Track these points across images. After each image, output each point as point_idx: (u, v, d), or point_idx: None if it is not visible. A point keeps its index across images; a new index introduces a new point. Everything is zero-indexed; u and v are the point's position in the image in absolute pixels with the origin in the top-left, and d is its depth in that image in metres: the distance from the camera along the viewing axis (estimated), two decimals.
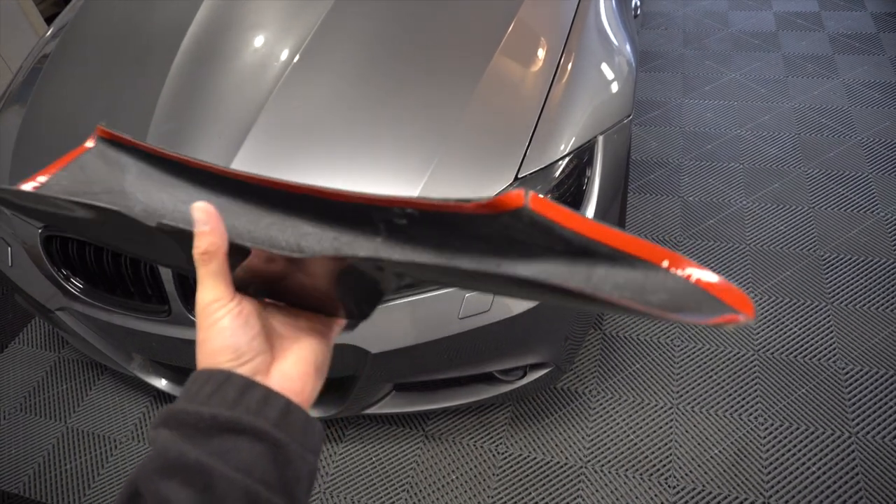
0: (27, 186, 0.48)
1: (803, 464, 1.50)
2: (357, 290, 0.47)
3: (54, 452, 1.75)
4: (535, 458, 1.59)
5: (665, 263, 0.30)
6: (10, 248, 1.53)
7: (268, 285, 0.47)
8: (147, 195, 0.49)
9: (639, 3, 2.14)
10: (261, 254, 0.43)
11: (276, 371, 0.43)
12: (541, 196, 0.32)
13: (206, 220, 0.42)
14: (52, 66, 1.67)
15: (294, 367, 0.44)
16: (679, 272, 0.30)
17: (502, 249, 0.35)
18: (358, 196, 0.41)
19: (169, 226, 0.45)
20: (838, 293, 1.85)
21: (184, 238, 0.44)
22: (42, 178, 0.50)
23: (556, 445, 1.61)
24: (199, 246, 0.42)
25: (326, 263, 0.42)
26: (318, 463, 0.43)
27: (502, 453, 1.61)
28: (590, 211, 1.31)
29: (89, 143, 0.53)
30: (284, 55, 1.44)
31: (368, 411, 1.50)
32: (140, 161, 0.52)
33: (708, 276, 0.30)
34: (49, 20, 3.27)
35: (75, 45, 1.70)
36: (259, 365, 0.42)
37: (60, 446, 1.76)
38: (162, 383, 1.64)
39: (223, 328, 0.42)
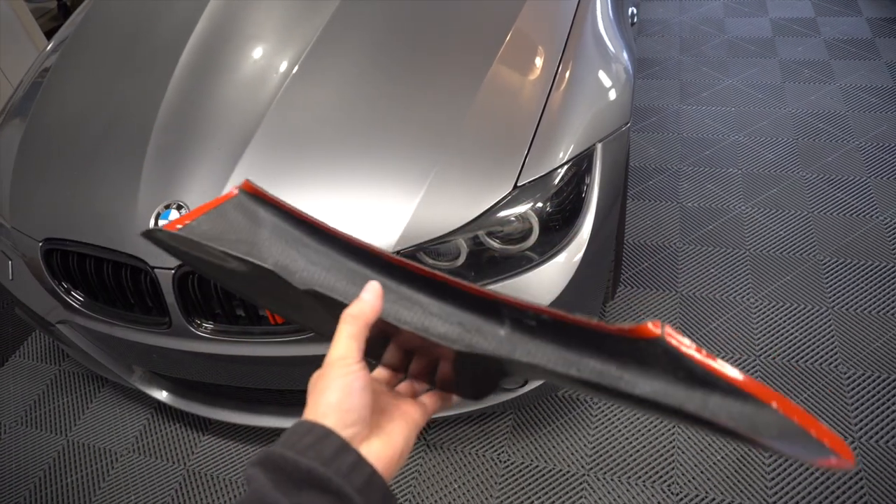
0: (174, 227, 0.51)
1: (806, 469, 1.50)
2: (475, 375, 0.52)
3: (55, 466, 1.74)
4: (537, 467, 1.59)
5: (774, 405, 0.35)
6: (10, 262, 1.53)
7: (392, 354, 0.54)
8: (279, 251, 0.53)
9: (636, 11, 2.15)
10: (388, 326, 0.48)
11: (366, 446, 0.47)
12: (672, 330, 0.38)
13: (372, 294, 0.48)
14: (52, 79, 1.68)
15: (383, 449, 0.48)
16: (786, 415, 0.35)
17: (625, 365, 0.40)
18: (491, 294, 0.47)
19: (321, 293, 0.50)
20: (839, 297, 1.85)
21: (330, 304, 0.50)
22: (188, 221, 0.53)
23: (559, 453, 1.60)
24: (354, 309, 0.48)
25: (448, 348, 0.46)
26: None
27: (504, 462, 1.61)
28: (589, 217, 1.31)
29: (234, 191, 0.57)
30: (283, 67, 1.44)
31: None
32: (276, 216, 0.56)
33: (812, 423, 0.34)
34: (49, 34, 3.29)
35: (76, 59, 1.71)
36: (357, 434, 0.46)
37: (61, 460, 1.76)
38: (163, 395, 1.64)
39: (345, 385, 0.46)
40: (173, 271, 1.25)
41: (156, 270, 1.26)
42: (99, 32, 1.77)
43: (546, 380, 0.46)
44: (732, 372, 0.36)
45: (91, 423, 1.83)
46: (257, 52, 1.51)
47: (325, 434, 0.44)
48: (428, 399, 0.56)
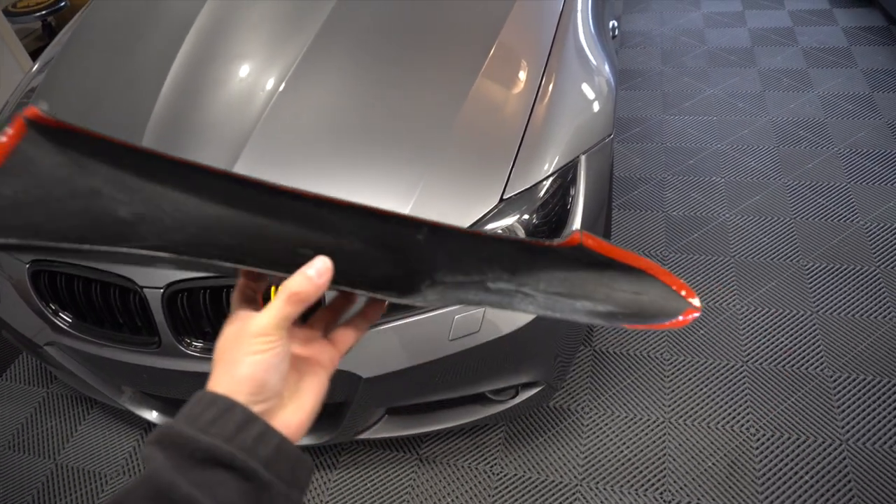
0: None
1: (796, 473, 1.51)
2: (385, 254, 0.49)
3: (44, 490, 1.72)
4: (530, 478, 1.59)
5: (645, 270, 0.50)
6: None
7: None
8: (138, 203, 0.42)
9: (616, 24, 2.19)
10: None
11: (280, 417, 0.45)
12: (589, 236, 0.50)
13: (323, 275, 0.44)
14: (38, 100, 1.68)
15: (295, 414, 0.46)
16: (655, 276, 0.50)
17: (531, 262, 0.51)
18: (402, 214, 0.49)
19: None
20: (823, 302, 1.88)
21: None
22: None
23: (551, 464, 1.61)
24: (297, 288, 0.43)
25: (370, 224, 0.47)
26: (303, 497, 0.44)
27: (497, 474, 1.61)
28: (575, 228, 1.33)
29: (12, 131, 0.39)
30: (270, 84, 1.46)
31: (361, 437, 1.49)
32: (101, 156, 0.41)
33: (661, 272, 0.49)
34: (33, 55, 3.29)
35: (62, 78, 1.71)
36: (270, 408, 0.44)
37: (50, 484, 1.73)
38: (153, 415, 1.63)
39: (261, 361, 0.43)
40: (162, 290, 1.25)
41: (144, 290, 1.26)
42: (86, 50, 1.77)
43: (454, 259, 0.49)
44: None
45: (80, 446, 1.81)
46: (244, 70, 1.52)
47: (230, 407, 0.41)
48: (340, 334, 0.52)
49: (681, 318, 0.47)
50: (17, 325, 1.51)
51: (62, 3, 3.53)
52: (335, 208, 0.46)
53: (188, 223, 0.43)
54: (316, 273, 0.43)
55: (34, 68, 1.87)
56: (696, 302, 0.47)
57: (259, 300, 0.50)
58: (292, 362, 0.47)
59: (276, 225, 0.45)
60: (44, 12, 3.47)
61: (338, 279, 0.45)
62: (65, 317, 1.41)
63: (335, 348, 0.52)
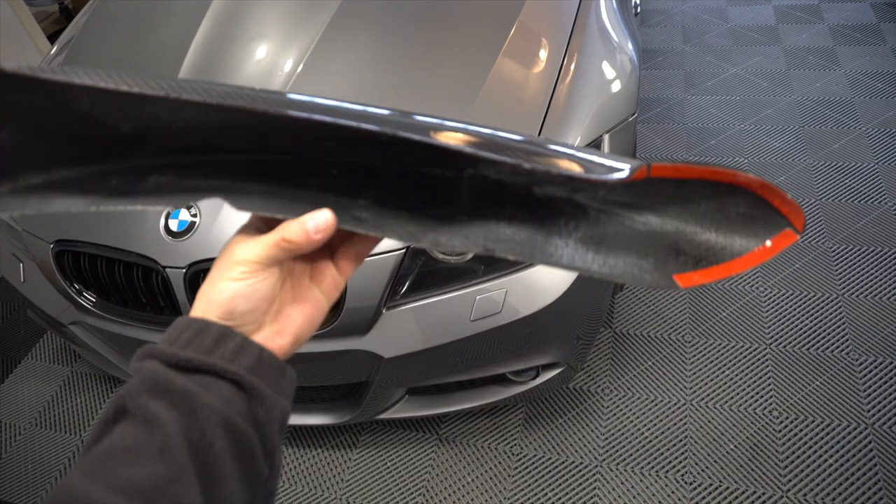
0: None
1: (820, 456, 1.50)
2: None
3: (70, 466, 1.76)
4: (550, 459, 1.59)
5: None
6: (21, 265, 1.54)
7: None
8: (136, 118, 0.40)
9: (638, 2, 2.15)
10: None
11: (257, 336, 0.45)
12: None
13: (320, 230, 0.42)
14: None
15: (273, 339, 0.45)
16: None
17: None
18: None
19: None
20: (849, 284, 1.85)
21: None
22: None
23: (571, 445, 1.61)
24: (291, 236, 0.42)
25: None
26: (290, 406, 0.45)
27: (517, 455, 1.61)
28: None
29: None
30: (288, 66, 1.44)
31: (382, 416, 1.50)
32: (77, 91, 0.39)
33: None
34: (51, 38, 3.30)
35: (80, 62, 1.71)
36: (244, 330, 0.44)
37: (76, 461, 1.77)
38: None
39: (233, 288, 0.43)
40: (184, 270, 1.26)
41: (167, 270, 1.27)
42: (105, 31, 1.77)
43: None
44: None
45: None
46: (261, 53, 1.51)
47: (203, 326, 0.42)
48: (343, 257, 0.49)
49: (769, 242, 0.37)
50: (42, 305, 1.53)
51: None
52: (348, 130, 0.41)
53: (195, 126, 0.41)
54: (314, 227, 0.42)
55: (53, 50, 1.87)
56: (798, 223, 0.37)
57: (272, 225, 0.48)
58: (289, 286, 0.47)
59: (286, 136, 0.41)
60: None
61: (349, 218, 0.43)
62: (88, 296, 1.42)
63: (339, 272, 0.50)
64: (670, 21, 3.20)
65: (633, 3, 2.00)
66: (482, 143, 0.40)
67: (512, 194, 0.42)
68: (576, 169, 0.39)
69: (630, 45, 1.57)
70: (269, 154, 0.43)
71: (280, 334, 0.46)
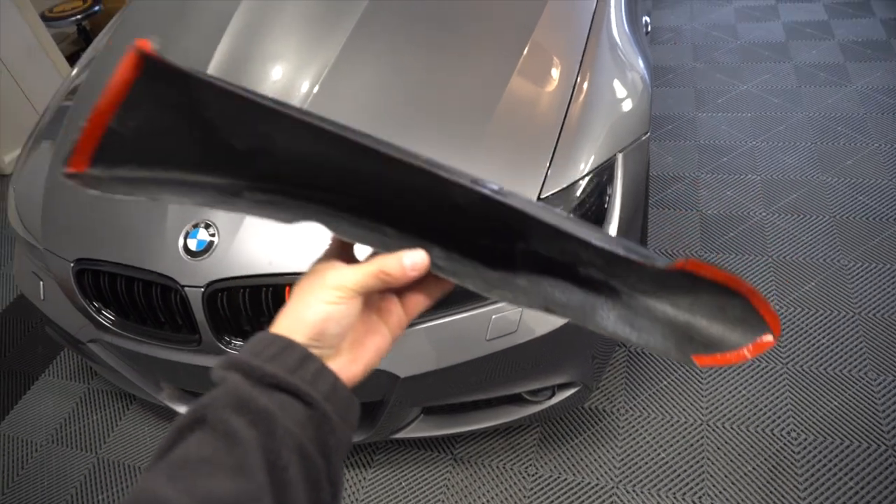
0: (81, 166, 0.40)
1: (840, 479, 1.48)
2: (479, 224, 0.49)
3: (86, 483, 1.76)
4: (565, 480, 1.58)
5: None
6: (41, 283, 1.56)
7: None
8: (251, 137, 0.43)
9: (649, 21, 2.16)
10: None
11: (333, 363, 0.46)
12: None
13: (416, 268, 0.45)
14: (79, 102, 1.72)
15: (347, 367, 0.47)
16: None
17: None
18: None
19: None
20: (865, 302, 1.83)
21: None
22: (93, 141, 0.39)
23: (587, 466, 1.60)
24: (389, 269, 0.45)
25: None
26: (352, 437, 0.46)
27: (532, 475, 1.60)
28: (612, 228, 1.31)
29: (125, 64, 0.41)
30: (305, 86, 1.47)
31: (397, 436, 1.50)
32: (212, 94, 0.42)
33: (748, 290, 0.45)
34: (70, 59, 3.36)
35: (101, 81, 1.75)
36: (324, 355, 0.45)
37: (92, 478, 1.77)
38: None
39: (329, 311, 0.44)
40: (203, 289, 1.27)
41: (186, 289, 1.28)
42: (122, 54, 1.80)
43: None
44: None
45: (121, 441, 1.85)
46: (279, 71, 1.53)
47: (288, 345, 0.43)
48: (411, 298, 0.52)
49: (751, 346, 0.45)
50: (61, 322, 1.54)
51: (96, 8, 3.61)
52: (447, 183, 0.47)
53: (300, 155, 0.44)
54: (411, 265, 0.45)
55: (74, 72, 1.91)
56: (771, 334, 0.45)
57: (351, 254, 0.51)
58: (362, 317, 0.49)
59: (386, 182, 0.46)
60: (79, 16, 3.55)
61: (438, 263, 0.47)
62: (108, 314, 1.44)
63: (404, 311, 0.52)
64: (680, 38, 3.21)
65: (644, 22, 2.01)
66: (536, 222, 0.46)
67: (560, 267, 0.48)
68: (620, 253, 0.45)
69: (642, 64, 1.58)
70: (362, 195, 0.47)
71: (354, 363, 0.47)
